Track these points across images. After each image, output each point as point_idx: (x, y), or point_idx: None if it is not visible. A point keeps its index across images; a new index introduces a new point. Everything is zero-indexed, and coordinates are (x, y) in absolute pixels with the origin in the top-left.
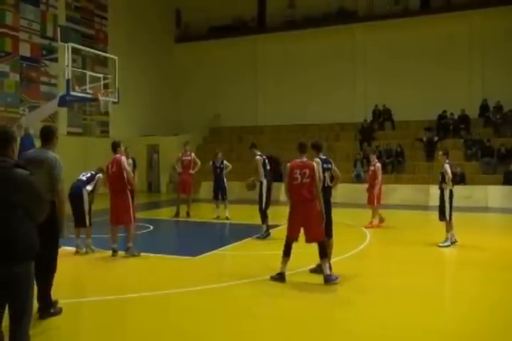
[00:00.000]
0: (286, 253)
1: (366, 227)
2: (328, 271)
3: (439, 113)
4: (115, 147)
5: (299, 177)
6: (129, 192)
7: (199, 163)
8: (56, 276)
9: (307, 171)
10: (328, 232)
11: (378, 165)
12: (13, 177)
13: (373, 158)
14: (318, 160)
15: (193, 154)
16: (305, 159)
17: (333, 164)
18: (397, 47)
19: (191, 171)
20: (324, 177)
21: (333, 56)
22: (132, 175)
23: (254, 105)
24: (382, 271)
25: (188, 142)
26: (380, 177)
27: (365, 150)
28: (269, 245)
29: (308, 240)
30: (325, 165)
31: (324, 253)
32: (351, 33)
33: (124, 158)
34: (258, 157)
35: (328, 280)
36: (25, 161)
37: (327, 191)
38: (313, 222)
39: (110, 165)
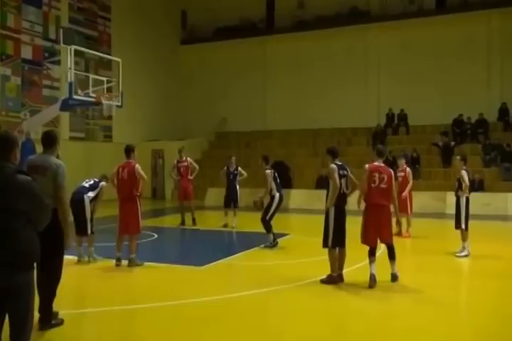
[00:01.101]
0: (371, 253)
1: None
2: (395, 270)
3: (455, 117)
4: (129, 151)
5: (377, 180)
6: (138, 199)
7: (197, 167)
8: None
9: (385, 177)
10: (341, 241)
11: (408, 169)
12: (15, 183)
13: (402, 163)
14: (333, 166)
15: (189, 159)
16: (382, 164)
17: (349, 171)
18: (411, 49)
19: (190, 177)
20: (340, 184)
21: (345, 58)
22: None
23: (262, 109)
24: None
25: (183, 147)
26: (411, 182)
27: None
28: (278, 255)
29: (382, 242)
30: (341, 172)
31: (393, 255)
32: (364, 33)
33: (138, 165)
34: (268, 171)
35: (396, 278)
36: (29, 167)
37: (342, 199)
38: (385, 226)
39: (121, 169)
